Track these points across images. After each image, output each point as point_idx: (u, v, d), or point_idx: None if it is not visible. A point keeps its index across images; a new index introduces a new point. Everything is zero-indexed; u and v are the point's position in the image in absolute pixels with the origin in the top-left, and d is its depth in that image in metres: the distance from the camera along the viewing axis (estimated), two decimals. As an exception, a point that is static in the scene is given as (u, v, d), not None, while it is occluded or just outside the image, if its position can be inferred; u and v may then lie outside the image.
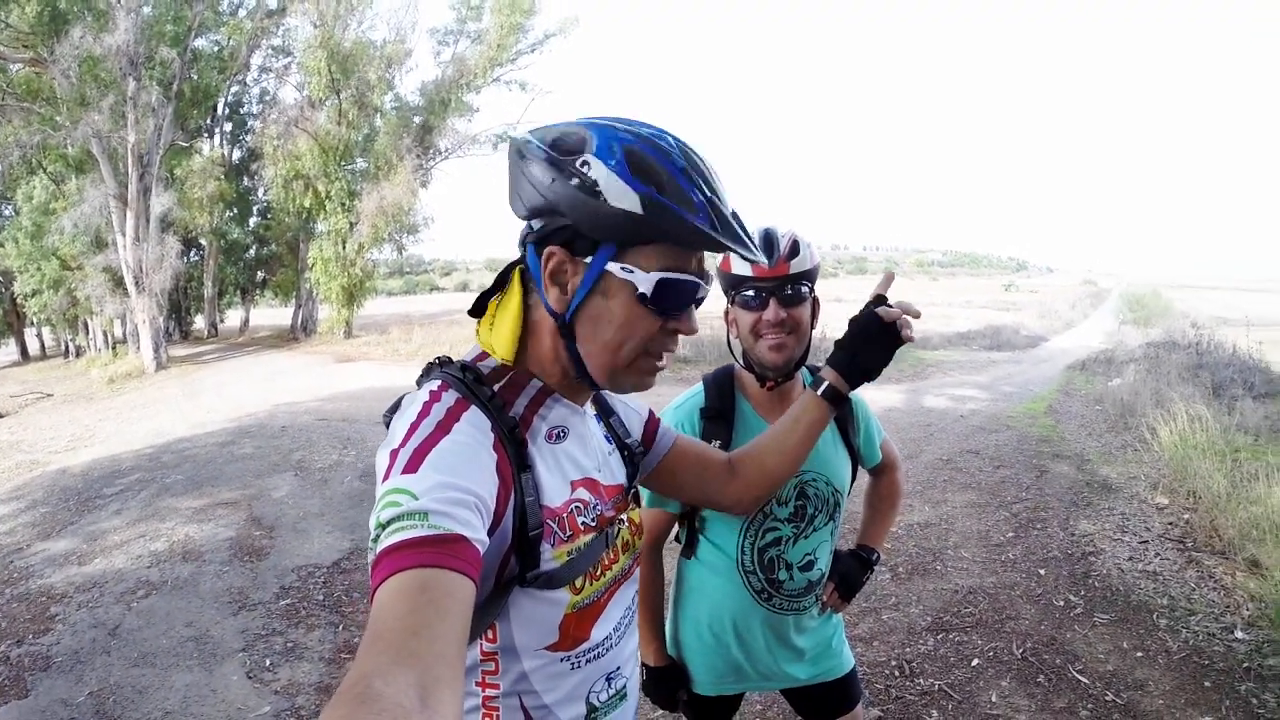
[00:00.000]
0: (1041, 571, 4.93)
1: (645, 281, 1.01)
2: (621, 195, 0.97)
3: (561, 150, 1.00)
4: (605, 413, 1.29)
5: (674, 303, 1.04)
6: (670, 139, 1.03)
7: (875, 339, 1.37)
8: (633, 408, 1.36)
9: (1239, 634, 3.97)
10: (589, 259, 1.02)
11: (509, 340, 1.07)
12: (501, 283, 1.11)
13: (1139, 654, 3.84)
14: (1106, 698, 3.47)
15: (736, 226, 1.02)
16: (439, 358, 1.10)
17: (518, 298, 1.08)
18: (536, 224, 1.05)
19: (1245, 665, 3.67)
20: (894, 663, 3.88)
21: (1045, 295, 57.93)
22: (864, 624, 4.31)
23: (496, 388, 1.05)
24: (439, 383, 1.02)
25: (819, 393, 1.39)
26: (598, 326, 1.04)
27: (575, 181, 0.98)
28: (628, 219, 0.97)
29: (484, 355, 1.10)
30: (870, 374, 1.39)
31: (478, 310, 1.14)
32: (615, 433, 1.28)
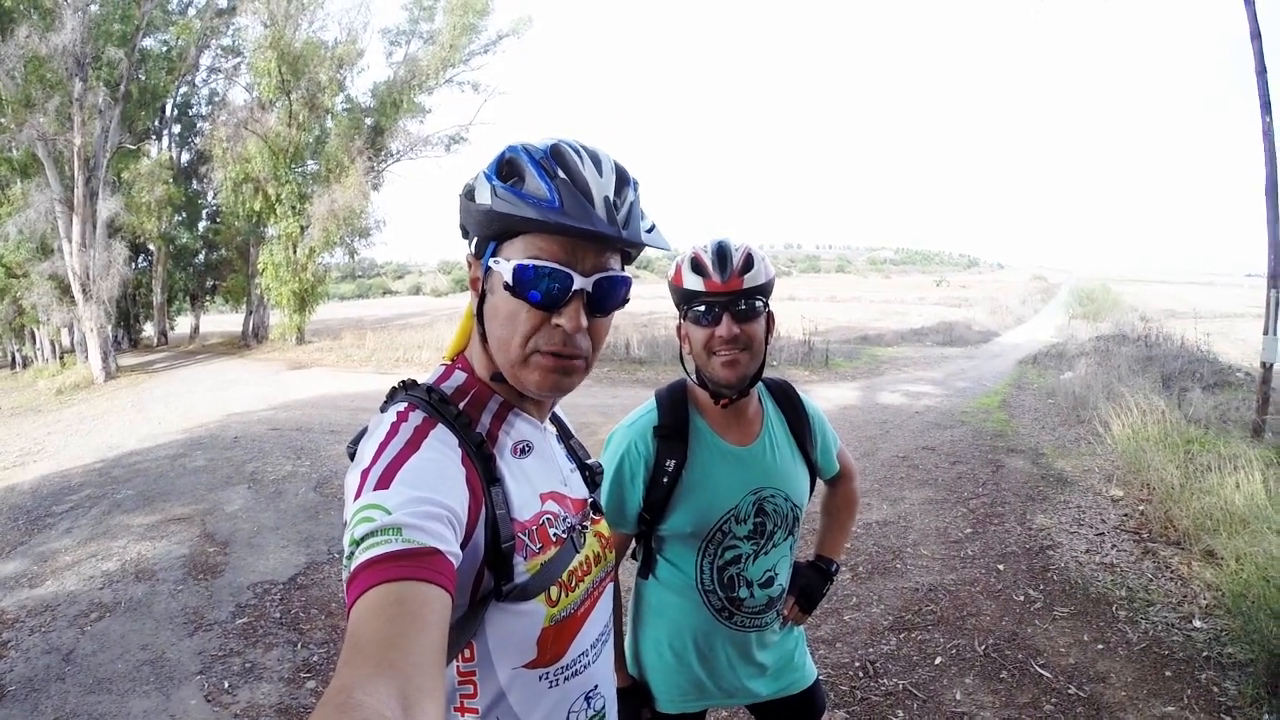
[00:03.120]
0: (1000, 567, 4.99)
1: (507, 269, 1.01)
2: (482, 191, 1.03)
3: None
4: (565, 435, 1.30)
5: (543, 291, 1.01)
6: (550, 143, 1.04)
7: None
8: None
9: (1197, 623, 4.06)
10: (483, 259, 1.07)
11: (454, 343, 1.17)
12: None
13: (1100, 646, 3.91)
14: (1069, 691, 3.52)
15: (599, 208, 1.00)
16: (403, 381, 1.10)
17: (468, 311, 1.14)
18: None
19: (1205, 654, 3.75)
20: (858, 664, 3.90)
21: (975, 290, 59.12)
22: (826, 625, 4.33)
23: (461, 405, 1.07)
24: (405, 404, 1.03)
25: None
26: (492, 323, 1.07)
27: (463, 192, 1.07)
28: (484, 211, 1.02)
29: (447, 376, 1.11)
30: None
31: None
32: (575, 453, 1.29)
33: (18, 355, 26.73)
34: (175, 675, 4.03)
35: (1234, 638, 3.83)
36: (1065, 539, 5.39)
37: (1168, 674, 3.62)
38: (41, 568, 5.64)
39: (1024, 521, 5.80)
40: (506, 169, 1.03)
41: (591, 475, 1.30)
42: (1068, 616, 4.26)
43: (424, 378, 1.13)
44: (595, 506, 1.27)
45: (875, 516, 6.11)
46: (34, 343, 25.82)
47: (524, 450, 1.11)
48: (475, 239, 1.08)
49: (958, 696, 3.56)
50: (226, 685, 3.91)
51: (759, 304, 1.70)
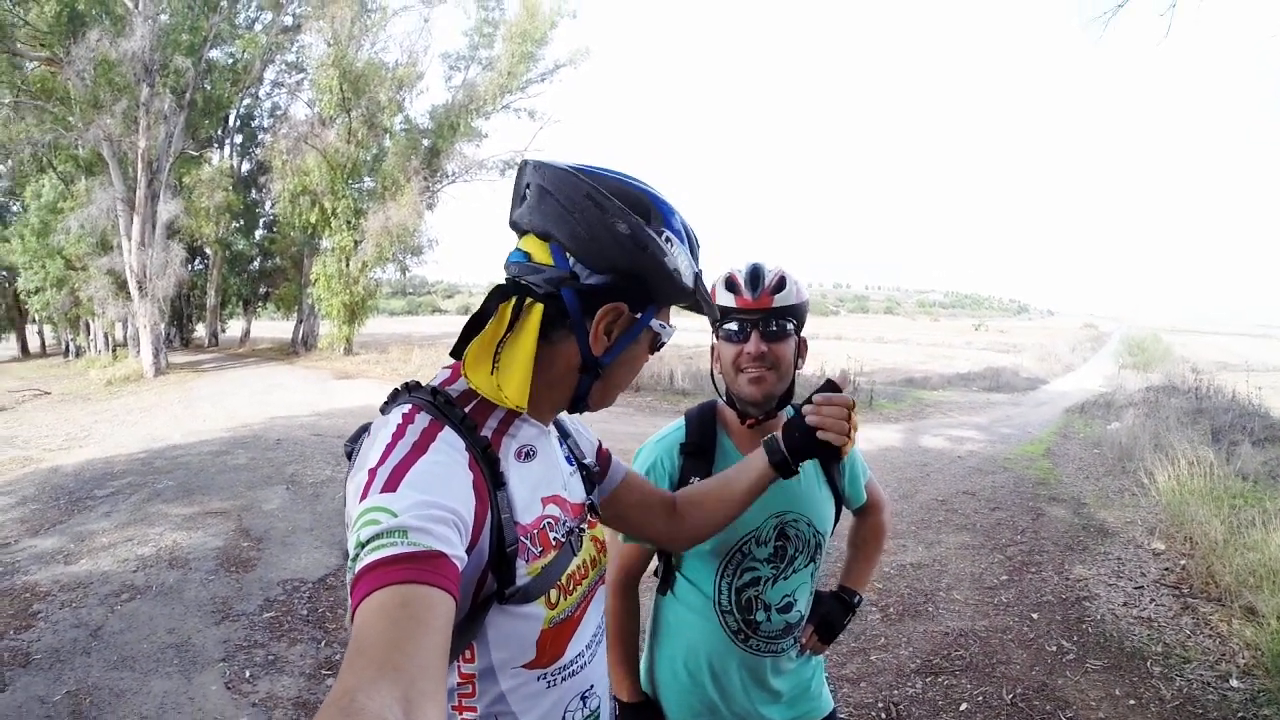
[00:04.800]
0: (1034, 616, 4.88)
1: (668, 333, 1.19)
2: (686, 272, 1.12)
3: (632, 206, 1.07)
4: (564, 435, 1.32)
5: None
6: (683, 217, 1.17)
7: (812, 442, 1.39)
8: (584, 435, 1.40)
9: (1234, 683, 3.92)
10: (638, 314, 1.13)
11: (522, 387, 1.06)
12: (483, 320, 1.08)
13: (1131, 702, 3.79)
14: (1097, 745, 3.42)
15: None
16: (406, 383, 1.10)
17: (533, 339, 1.06)
18: (596, 276, 1.08)
19: (1240, 715, 3.62)
20: (881, 705, 3.82)
21: (1024, 336, 58.48)
22: (852, 664, 4.25)
23: (467, 409, 1.06)
24: (409, 406, 1.03)
25: (770, 461, 1.41)
26: (622, 368, 1.17)
27: (664, 257, 1.08)
28: (684, 291, 1.14)
29: (453, 379, 1.10)
30: (822, 458, 1.40)
31: (460, 352, 1.10)
32: (574, 454, 1.31)
33: (72, 344, 27.56)
34: (198, 660, 4.09)
35: (1271, 699, 3.69)
36: (1103, 591, 5.25)
37: (1200, 734, 3.50)
38: (78, 546, 5.79)
39: (1061, 571, 5.66)
40: (693, 246, 1.18)
41: (589, 475, 1.31)
42: (1100, 670, 4.13)
43: (429, 379, 1.13)
44: (592, 509, 1.28)
45: (910, 558, 6.00)
46: (88, 334, 26.64)
47: (528, 454, 1.11)
48: (641, 297, 1.12)
49: (982, 743, 3.48)
50: (248, 674, 3.96)
51: (789, 325, 1.71)
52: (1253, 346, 47.06)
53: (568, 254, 1.07)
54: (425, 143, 25.21)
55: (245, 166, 28.48)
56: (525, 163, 1.12)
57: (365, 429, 1.07)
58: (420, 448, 0.95)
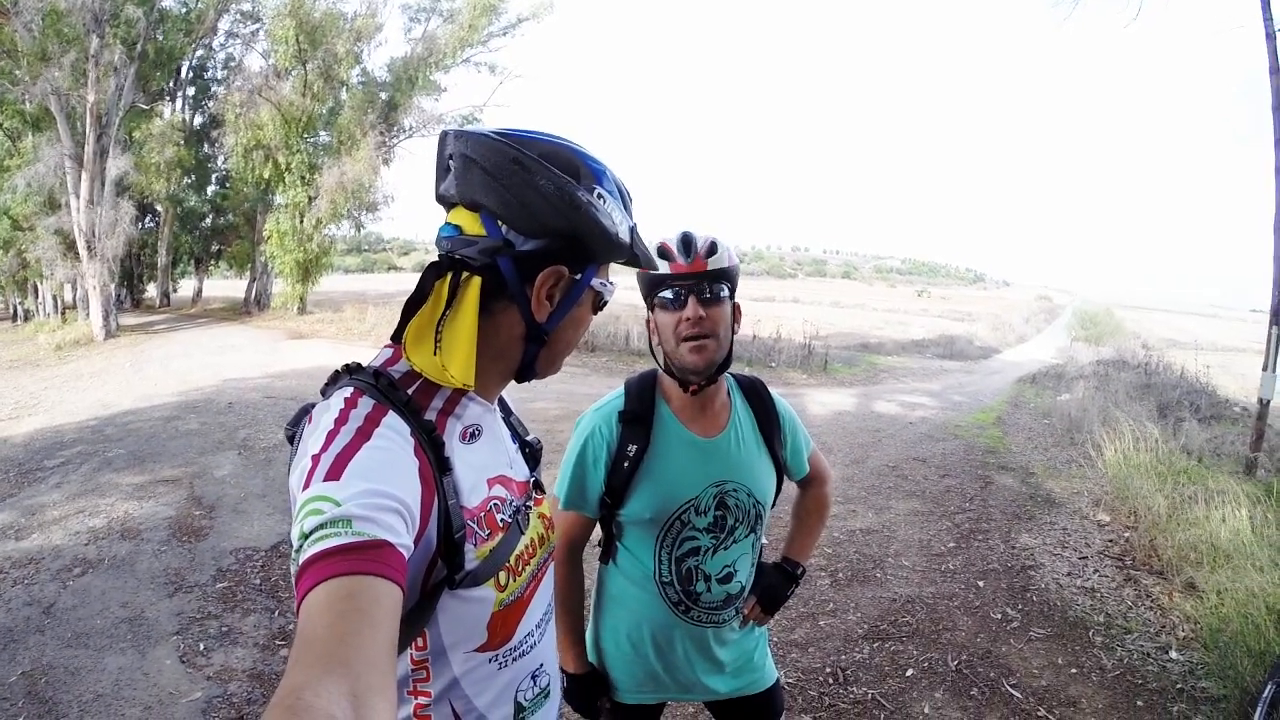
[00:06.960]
0: (981, 583, 5.00)
1: (609, 291, 1.17)
2: (621, 227, 1.10)
3: (561, 167, 1.04)
4: (506, 412, 1.30)
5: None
6: (615, 175, 1.15)
7: None
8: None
9: (1173, 654, 4.06)
10: (578, 275, 1.11)
11: (467, 364, 1.03)
12: (420, 300, 1.05)
13: (1073, 670, 3.91)
14: (1039, 713, 3.52)
15: None
16: (347, 365, 1.08)
17: (473, 314, 1.04)
18: (531, 242, 1.05)
19: (1178, 686, 3.75)
20: (828, 670, 3.91)
21: (968, 304, 59.32)
22: (800, 629, 4.34)
23: (411, 392, 1.03)
24: (351, 390, 1.00)
25: None
26: (568, 331, 1.15)
27: (598, 215, 1.06)
28: (621, 247, 1.11)
29: (394, 359, 1.07)
30: None
31: (400, 335, 1.07)
32: (516, 430, 1.30)
33: (19, 308, 26.82)
34: (152, 634, 4.05)
35: (1209, 672, 3.82)
36: (1048, 560, 5.39)
37: (1139, 704, 3.61)
38: (29, 520, 5.68)
39: (1008, 540, 5.80)
40: (625, 199, 1.15)
41: (532, 452, 1.30)
42: (1043, 638, 4.26)
43: (370, 360, 1.10)
44: (538, 485, 1.27)
45: (859, 524, 6.10)
46: (36, 297, 25.90)
47: (473, 435, 1.10)
48: (581, 257, 1.10)
49: (926, 710, 3.56)
50: (202, 647, 3.94)
51: (723, 290, 1.73)
52: (1203, 326, 48.13)
53: (499, 222, 1.04)
54: (383, 96, 24.63)
55: (197, 120, 27.60)
56: (445, 133, 1.09)
57: (306, 411, 1.03)
58: (364, 434, 0.92)
